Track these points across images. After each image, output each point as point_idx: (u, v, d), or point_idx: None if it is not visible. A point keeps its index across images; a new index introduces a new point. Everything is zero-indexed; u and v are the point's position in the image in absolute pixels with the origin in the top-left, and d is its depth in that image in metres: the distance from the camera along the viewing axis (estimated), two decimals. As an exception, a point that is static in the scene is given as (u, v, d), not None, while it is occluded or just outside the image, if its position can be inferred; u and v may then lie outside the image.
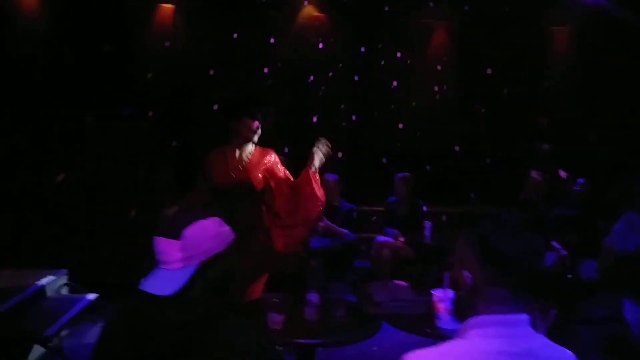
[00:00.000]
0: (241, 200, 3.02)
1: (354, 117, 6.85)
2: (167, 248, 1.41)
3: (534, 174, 4.88)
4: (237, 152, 3.08)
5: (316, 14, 6.76)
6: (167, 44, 6.34)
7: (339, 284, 3.28)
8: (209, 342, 1.44)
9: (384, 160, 6.71)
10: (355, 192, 5.63)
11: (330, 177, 4.90)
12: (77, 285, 4.17)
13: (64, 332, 3.39)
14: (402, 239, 4.83)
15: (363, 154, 6.78)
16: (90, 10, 6.00)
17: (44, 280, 3.86)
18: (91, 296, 3.98)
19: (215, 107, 5.58)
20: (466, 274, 1.34)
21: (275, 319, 2.44)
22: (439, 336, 2.43)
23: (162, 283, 1.39)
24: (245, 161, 3.05)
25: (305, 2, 6.67)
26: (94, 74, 5.83)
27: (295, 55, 6.65)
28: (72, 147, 5.34)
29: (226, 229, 1.55)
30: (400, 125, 6.83)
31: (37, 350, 3.31)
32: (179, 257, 1.41)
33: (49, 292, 3.90)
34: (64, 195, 5.21)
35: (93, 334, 3.67)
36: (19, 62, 5.82)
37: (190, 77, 6.33)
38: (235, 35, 6.41)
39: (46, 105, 5.55)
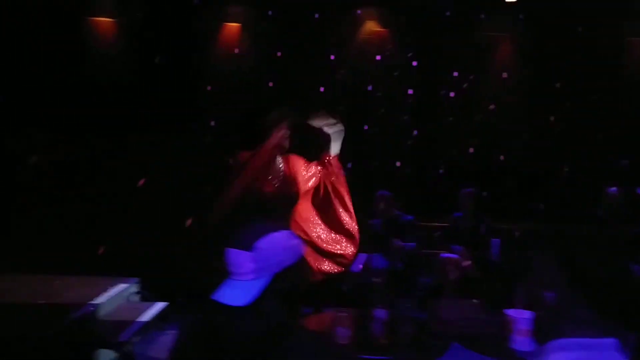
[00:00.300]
0: (283, 212, 2.67)
1: (415, 132, 6.78)
2: (240, 259, 1.43)
3: (611, 189, 4.64)
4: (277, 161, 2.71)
5: (377, 29, 6.78)
6: (234, 55, 6.57)
7: (405, 300, 3.22)
8: (278, 353, 1.44)
9: (446, 174, 6.61)
10: (418, 207, 5.56)
11: (383, 193, 4.94)
12: (148, 293, 4.32)
13: (134, 339, 3.51)
14: (467, 256, 4.70)
15: (426, 168, 6.70)
16: (159, 29, 6.34)
17: (116, 288, 4.02)
18: (161, 304, 4.10)
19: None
20: (549, 294, 1.28)
21: (342, 334, 2.42)
22: (512, 358, 2.34)
23: (235, 294, 1.41)
24: (284, 171, 2.71)
25: (359, 12, 6.69)
26: (161, 90, 6.14)
27: (356, 71, 6.69)
28: (144, 158, 5.58)
29: (296, 241, 1.55)
30: (465, 139, 6.72)
31: (109, 355, 3.45)
32: (251, 269, 1.42)
33: (121, 300, 4.06)
34: (137, 205, 5.44)
35: (162, 341, 3.77)
36: (95, 78, 6.23)
37: (253, 93, 6.49)
38: (279, 54, 6.55)
39: (120, 118, 5.87)
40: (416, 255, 4.65)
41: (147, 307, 4.04)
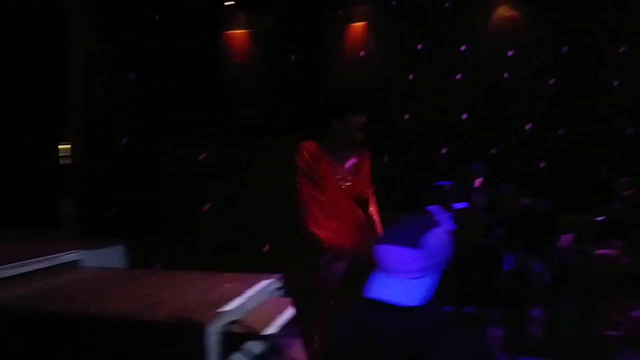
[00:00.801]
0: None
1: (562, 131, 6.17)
2: (407, 257, 1.37)
3: None
4: (341, 158, 2.62)
5: (510, 13, 6.38)
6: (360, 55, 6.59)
7: (565, 299, 2.96)
8: (436, 352, 1.38)
9: (603, 167, 5.95)
10: (569, 203, 5.11)
11: (506, 186, 4.54)
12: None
13: (280, 333, 3.63)
14: (626, 252, 4.24)
15: (575, 161, 6.09)
16: (289, 36, 6.59)
17: (262, 284, 4.21)
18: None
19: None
20: None
21: (495, 333, 2.30)
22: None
23: (401, 293, 1.35)
24: (352, 170, 2.62)
25: None
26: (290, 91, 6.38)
27: (489, 60, 6.35)
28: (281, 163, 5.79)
29: (451, 237, 1.48)
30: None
31: (256, 348, 3.62)
32: (419, 267, 1.36)
33: (266, 295, 4.25)
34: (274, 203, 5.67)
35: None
36: (234, 86, 6.67)
37: (382, 90, 6.45)
38: (419, 47, 6.38)
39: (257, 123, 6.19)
40: (573, 250, 4.28)
41: (288, 302, 4.16)
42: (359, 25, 6.74)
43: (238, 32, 7.02)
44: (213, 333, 3.28)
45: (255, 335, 3.48)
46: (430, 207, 2.98)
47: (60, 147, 7.13)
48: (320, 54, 6.66)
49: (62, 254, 4.91)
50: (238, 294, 3.89)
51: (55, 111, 6.59)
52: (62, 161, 7.02)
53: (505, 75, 6.29)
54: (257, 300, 4.07)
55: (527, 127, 6.15)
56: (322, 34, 6.66)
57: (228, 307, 3.59)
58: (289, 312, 3.94)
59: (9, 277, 4.20)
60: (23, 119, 7.02)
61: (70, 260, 4.92)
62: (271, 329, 3.57)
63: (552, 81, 6.19)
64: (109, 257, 5.37)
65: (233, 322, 3.54)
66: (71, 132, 6.34)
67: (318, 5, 6.62)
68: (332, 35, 6.72)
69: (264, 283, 4.27)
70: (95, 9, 6.13)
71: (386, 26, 6.54)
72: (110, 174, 6.05)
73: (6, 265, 4.24)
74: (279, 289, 4.41)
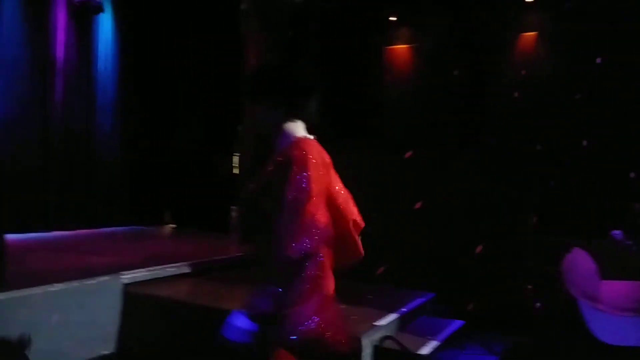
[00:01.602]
0: None
1: None
2: (621, 292, 1.18)
3: None
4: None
5: None
6: (523, 72, 6.21)
7: None
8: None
9: None
10: None
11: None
12: (444, 309, 4.30)
13: (435, 354, 3.49)
14: None
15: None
16: (452, 48, 6.42)
17: (417, 301, 4.10)
18: (458, 322, 4.02)
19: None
20: None
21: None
22: None
23: (609, 330, 1.17)
24: None
25: None
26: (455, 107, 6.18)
27: None
28: (433, 174, 5.66)
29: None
30: None
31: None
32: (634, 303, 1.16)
33: (421, 313, 4.12)
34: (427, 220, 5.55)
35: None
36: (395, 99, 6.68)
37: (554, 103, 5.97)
38: (598, 60, 5.76)
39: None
40: None
41: (444, 324, 3.99)
42: (530, 35, 6.35)
43: (400, 47, 7.04)
44: (367, 346, 3.24)
45: (409, 354, 3.37)
46: (614, 232, 2.64)
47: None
48: (484, 68, 6.40)
49: (228, 256, 5.29)
50: (393, 309, 3.82)
51: (234, 124, 7.19)
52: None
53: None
54: (411, 317, 3.97)
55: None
56: (486, 46, 6.40)
57: (383, 322, 3.54)
58: (446, 333, 3.78)
59: (184, 274, 4.61)
60: (206, 131, 7.80)
61: (235, 262, 5.27)
62: (426, 349, 3.44)
63: None
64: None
65: (387, 338, 3.47)
66: (242, 144, 6.85)
67: (483, 16, 6.37)
68: (498, 47, 6.41)
69: (419, 301, 4.15)
70: (269, 24, 6.54)
71: (558, 36, 6.06)
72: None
73: (180, 263, 4.66)
74: (434, 308, 4.26)
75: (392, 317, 3.71)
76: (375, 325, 3.46)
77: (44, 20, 6.66)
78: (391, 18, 6.97)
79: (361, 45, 6.88)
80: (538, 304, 4.38)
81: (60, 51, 6.83)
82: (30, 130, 6.51)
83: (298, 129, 2.27)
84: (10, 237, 5.26)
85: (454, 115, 6.34)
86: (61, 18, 6.84)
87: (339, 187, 2.36)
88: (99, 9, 7.26)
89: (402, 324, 3.80)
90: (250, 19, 6.57)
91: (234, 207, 6.97)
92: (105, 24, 7.47)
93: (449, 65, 6.54)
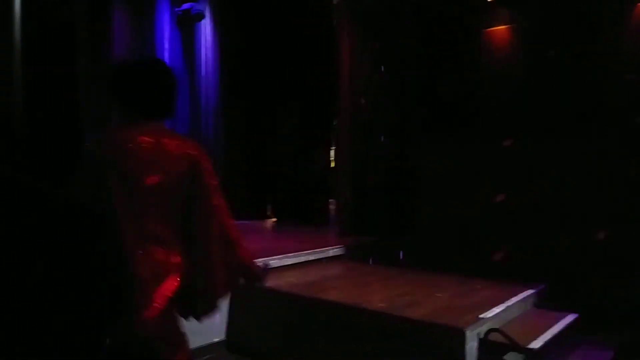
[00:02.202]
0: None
1: None
2: None
3: None
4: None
5: None
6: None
7: None
8: None
9: None
10: None
11: None
12: (555, 303, 4.07)
13: (546, 348, 3.31)
14: None
15: None
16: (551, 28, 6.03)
17: (525, 293, 3.92)
18: (571, 315, 3.79)
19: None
20: None
21: None
22: None
23: None
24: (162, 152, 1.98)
25: None
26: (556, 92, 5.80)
27: None
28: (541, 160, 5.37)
29: None
30: None
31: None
32: None
33: (529, 306, 3.93)
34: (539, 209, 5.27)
35: (578, 354, 3.47)
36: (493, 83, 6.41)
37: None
38: None
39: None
40: None
41: (556, 317, 3.78)
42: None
43: (498, 29, 6.72)
44: (472, 339, 3.15)
45: (517, 347, 3.23)
46: None
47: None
48: (595, 46, 5.91)
49: (329, 248, 5.37)
50: (499, 301, 3.68)
51: (329, 118, 7.28)
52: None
53: None
54: (518, 310, 3.79)
55: None
56: (599, 20, 5.89)
57: (488, 314, 3.42)
58: (558, 326, 3.58)
59: (287, 265, 4.75)
60: (303, 127, 7.99)
61: (335, 254, 5.34)
62: (536, 343, 3.28)
63: None
64: (368, 253, 5.67)
65: (493, 330, 3.35)
66: (338, 137, 6.92)
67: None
68: (613, 20, 5.88)
69: (527, 292, 3.96)
70: (360, 15, 6.52)
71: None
72: (370, 175, 6.40)
73: (282, 255, 4.81)
74: (544, 301, 4.05)
75: (499, 309, 3.58)
76: (481, 318, 3.35)
77: (150, 31, 7.13)
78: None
79: (458, 29, 6.65)
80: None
81: (166, 59, 7.29)
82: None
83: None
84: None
85: (559, 99, 5.92)
86: (166, 28, 7.29)
87: None
88: (200, 16, 7.65)
89: (511, 316, 3.65)
90: (343, 12, 6.60)
91: (332, 200, 7.07)
92: (206, 30, 7.85)
93: (553, 45, 6.12)
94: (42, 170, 3.34)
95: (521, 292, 3.94)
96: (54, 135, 3.70)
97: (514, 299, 3.79)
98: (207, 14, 7.82)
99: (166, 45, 7.30)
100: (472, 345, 3.15)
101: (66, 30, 3.86)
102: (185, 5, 7.44)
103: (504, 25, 6.69)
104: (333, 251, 5.35)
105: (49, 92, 3.66)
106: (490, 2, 6.65)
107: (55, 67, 3.76)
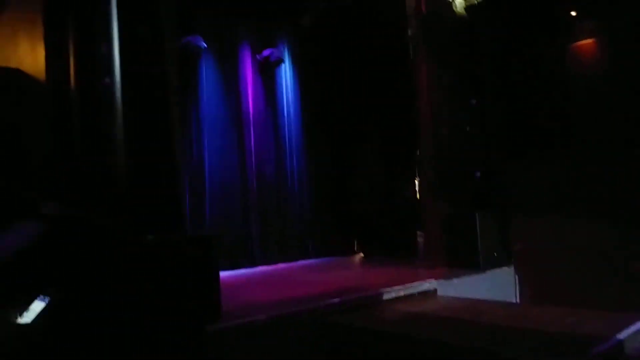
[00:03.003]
0: None
1: None
2: None
3: None
4: None
5: None
6: None
7: None
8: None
9: None
10: None
11: None
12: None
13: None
14: None
15: None
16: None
17: (637, 325, 3.58)
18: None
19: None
20: None
21: None
22: None
23: None
24: None
25: None
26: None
27: None
28: None
29: None
30: None
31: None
32: None
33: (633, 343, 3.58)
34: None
35: None
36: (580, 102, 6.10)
37: None
38: None
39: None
40: None
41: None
42: None
43: (584, 43, 6.41)
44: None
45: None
46: None
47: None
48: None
49: (419, 282, 5.22)
50: (611, 334, 3.38)
51: (412, 149, 7.22)
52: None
53: None
54: (632, 342, 3.46)
55: None
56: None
57: (599, 348, 3.15)
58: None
59: (376, 301, 4.68)
60: (386, 160, 7.99)
61: (426, 289, 5.18)
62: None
63: None
64: (464, 287, 5.44)
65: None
66: (422, 168, 6.82)
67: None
68: None
69: (633, 328, 3.61)
70: (437, 45, 6.48)
71: None
72: (461, 205, 6.22)
73: (371, 292, 4.75)
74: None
75: (611, 342, 3.29)
76: (593, 352, 3.09)
77: (235, 78, 7.51)
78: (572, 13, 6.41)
79: (541, 46, 6.44)
80: None
81: (250, 104, 7.62)
82: (231, 177, 7.32)
83: None
84: (222, 273, 5.93)
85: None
86: (249, 74, 7.64)
87: None
88: (280, 61, 7.96)
89: (628, 348, 3.34)
90: (419, 44, 6.61)
91: (419, 232, 6.92)
92: (287, 74, 8.14)
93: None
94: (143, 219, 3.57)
95: (634, 323, 3.59)
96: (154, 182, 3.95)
97: (627, 331, 3.47)
98: (287, 58, 8.12)
99: (249, 91, 7.63)
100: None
101: (161, 81, 4.16)
102: (265, 52, 7.78)
103: (591, 38, 6.38)
104: (423, 286, 5.19)
105: (146, 141, 3.94)
106: (575, 15, 6.40)
107: (151, 116, 4.05)
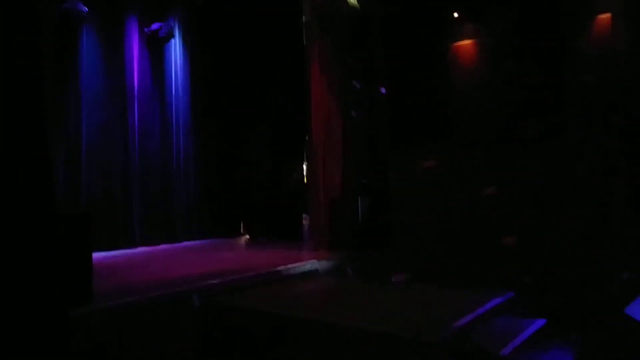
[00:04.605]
0: None
1: None
2: None
3: None
4: None
5: None
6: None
7: None
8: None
9: None
10: None
11: None
12: (524, 309, 4.10)
13: (517, 355, 3.33)
14: None
15: None
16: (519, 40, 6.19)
17: (494, 301, 3.94)
18: (540, 322, 3.83)
19: None
20: None
21: None
22: None
23: None
24: None
25: None
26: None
27: None
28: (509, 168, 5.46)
29: None
30: None
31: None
32: None
33: (497, 314, 3.96)
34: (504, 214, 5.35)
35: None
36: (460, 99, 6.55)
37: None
38: None
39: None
40: None
41: (525, 324, 3.81)
42: (604, 17, 5.96)
43: (465, 43, 6.86)
44: (444, 348, 3.15)
45: (488, 355, 3.25)
46: None
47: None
48: (556, 56, 6.08)
49: (301, 263, 5.34)
50: (470, 310, 3.69)
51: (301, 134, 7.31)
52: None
53: None
54: (489, 318, 3.81)
55: None
56: (559, 32, 6.07)
57: (459, 323, 3.44)
58: (527, 332, 3.61)
59: (259, 281, 4.72)
60: (274, 144, 8.02)
61: (308, 269, 5.31)
62: (506, 350, 3.30)
63: None
64: (342, 268, 5.65)
65: (465, 339, 3.36)
66: (310, 153, 6.93)
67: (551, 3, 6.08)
68: (572, 32, 6.06)
69: (497, 301, 3.99)
70: (329, 30, 6.59)
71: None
72: (341, 190, 6.43)
73: (253, 274, 4.78)
74: (513, 308, 4.08)
75: (469, 317, 3.59)
76: (453, 327, 3.36)
77: (119, 51, 7.09)
78: (454, 14, 6.82)
79: (425, 45, 6.79)
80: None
81: (135, 79, 7.25)
82: (112, 155, 6.94)
83: None
84: (99, 254, 5.64)
85: (526, 108, 6.06)
86: (135, 47, 7.26)
87: None
88: (170, 36, 7.64)
89: (481, 324, 3.67)
90: (312, 30, 6.67)
91: (305, 215, 7.06)
92: (177, 50, 7.83)
93: (517, 56, 6.27)
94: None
95: (491, 300, 3.96)
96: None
97: (485, 307, 3.81)
98: (177, 34, 7.82)
99: (135, 65, 7.26)
100: (443, 354, 3.14)
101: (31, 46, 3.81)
102: (155, 26, 7.42)
103: (470, 39, 6.84)
104: (306, 267, 5.32)
105: (12, 111, 3.60)
106: (457, 17, 6.81)
107: (19, 86, 3.70)
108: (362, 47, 6.71)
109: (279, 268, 5.06)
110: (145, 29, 7.41)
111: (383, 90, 6.63)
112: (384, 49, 6.71)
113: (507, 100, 6.25)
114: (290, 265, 5.18)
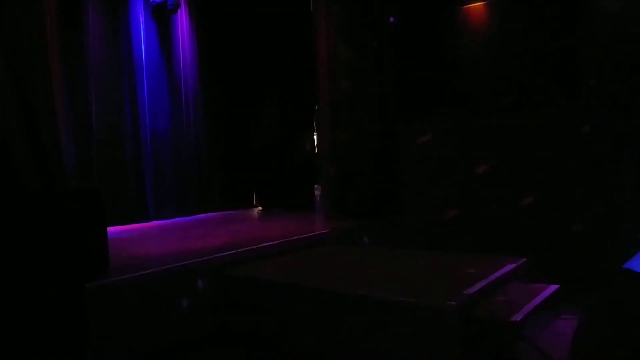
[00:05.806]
0: None
1: None
2: None
3: None
4: None
5: None
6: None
7: None
8: None
9: None
10: None
11: None
12: (537, 274, 4.11)
13: (527, 321, 3.34)
14: None
15: None
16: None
17: (507, 267, 3.94)
18: (553, 287, 3.82)
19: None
20: None
21: None
22: None
23: None
24: None
25: None
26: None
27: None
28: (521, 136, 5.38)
29: None
30: None
31: (502, 333, 3.37)
32: None
33: (511, 279, 3.96)
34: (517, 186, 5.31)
35: (558, 327, 3.51)
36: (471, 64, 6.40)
37: None
38: None
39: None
40: None
41: (538, 289, 3.81)
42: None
43: (476, 6, 6.69)
44: (456, 315, 3.17)
45: (499, 321, 3.26)
46: None
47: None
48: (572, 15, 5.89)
49: (313, 234, 5.38)
50: (482, 276, 3.70)
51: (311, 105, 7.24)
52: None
53: None
54: (501, 284, 3.82)
55: None
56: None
57: (471, 290, 3.45)
58: (539, 298, 3.61)
59: (270, 252, 4.76)
60: (285, 114, 7.97)
61: (320, 239, 5.35)
62: (518, 316, 3.31)
63: None
64: (356, 237, 5.69)
65: (476, 306, 3.38)
66: (320, 123, 6.89)
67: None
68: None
69: (509, 267, 3.99)
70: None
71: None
72: (353, 158, 6.40)
73: (265, 244, 4.83)
74: (525, 273, 4.08)
75: (482, 284, 3.60)
76: (465, 293, 3.37)
77: (125, 23, 7.03)
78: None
79: (434, 8, 6.64)
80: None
81: (143, 51, 7.20)
82: (122, 129, 6.96)
83: None
84: (114, 229, 5.71)
85: (540, 71, 5.93)
86: (141, 19, 7.19)
87: None
88: (176, 7, 7.54)
89: (493, 290, 3.68)
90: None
91: (316, 186, 7.07)
92: (184, 22, 7.76)
93: (529, 18, 6.11)
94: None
95: (504, 266, 3.96)
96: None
97: (497, 273, 3.81)
98: (184, 5, 7.73)
99: (142, 38, 7.21)
100: (455, 321, 3.17)
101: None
102: (160, -3, 7.33)
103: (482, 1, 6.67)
104: (317, 237, 5.35)
105: (21, 85, 3.60)
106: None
107: (26, 60, 3.70)
108: (370, 13, 6.58)
109: (292, 238, 5.10)
110: (151, 1, 7.33)
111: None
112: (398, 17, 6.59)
113: (520, 66, 6.12)
114: (302, 236, 5.22)
